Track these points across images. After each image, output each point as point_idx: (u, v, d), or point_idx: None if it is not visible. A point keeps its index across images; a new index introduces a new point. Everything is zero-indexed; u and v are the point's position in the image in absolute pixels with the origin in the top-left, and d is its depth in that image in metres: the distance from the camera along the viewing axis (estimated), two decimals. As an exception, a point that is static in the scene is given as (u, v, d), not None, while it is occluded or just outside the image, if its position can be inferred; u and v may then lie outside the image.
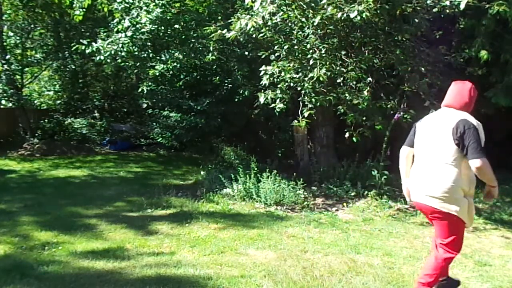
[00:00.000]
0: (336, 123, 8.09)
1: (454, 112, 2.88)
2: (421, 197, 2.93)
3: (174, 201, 6.34)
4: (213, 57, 7.06)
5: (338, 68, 5.69)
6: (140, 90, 8.14)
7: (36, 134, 12.33)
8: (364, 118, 6.16)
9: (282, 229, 4.98)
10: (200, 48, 7.88)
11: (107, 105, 15.29)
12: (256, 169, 6.42)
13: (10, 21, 12.30)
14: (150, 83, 9.21)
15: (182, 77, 9.73)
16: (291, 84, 5.72)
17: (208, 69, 9.73)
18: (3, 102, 12.79)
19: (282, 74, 5.62)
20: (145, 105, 11.69)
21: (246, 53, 8.45)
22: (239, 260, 3.93)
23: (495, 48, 6.91)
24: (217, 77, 9.24)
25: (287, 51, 5.99)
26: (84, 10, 7.96)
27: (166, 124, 10.13)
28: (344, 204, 6.33)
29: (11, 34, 12.53)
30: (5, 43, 12.15)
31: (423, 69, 6.27)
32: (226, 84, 9.53)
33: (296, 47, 5.92)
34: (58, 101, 14.93)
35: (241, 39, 6.38)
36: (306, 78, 5.60)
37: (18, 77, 12.75)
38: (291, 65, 5.75)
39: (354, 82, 5.89)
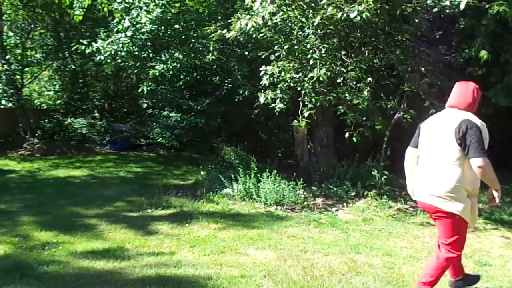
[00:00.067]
0: (336, 123, 8.09)
1: (458, 113, 2.89)
2: (425, 196, 2.95)
3: (174, 201, 6.34)
4: (213, 57, 7.06)
5: (338, 68, 5.69)
6: (140, 90, 8.14)
7: (36, 134, 12.33)
8: (364, 118, 6.16)
9: (282, 229, 4.98)
10: (200, 48, 7.87)
11: (107, 105, 15.29)
12: (256, 169, 6.42)
13: (10, 21, 12.30)
14: (150, 83, 9.20)
15: (182, 77, 9.73)
16: (291, 84, 5.72)
17: (208, 69, 9.73)
18: (3, 102, 12.79)
19: (282, 74, 5.62)
20: (145, 105, 11.68)
21: (246, 53, 8.45)
22: (239, 260, 3.93)
23: (495, 48, 6.91)
24: (217, 77, 9.24)
25: (287, 51, 5.99)
26: (84, 10, 7.96)
27: (166, 124, 10.12)
28: (344, 204, 6.33)
29: (11, 34, 12.52)
30: (5, 43, 12.15)
31: (423, 69, 6.27)
32: (226, 84, 9.53)
33: (296, 47, 5.92)
34: (58, 101, 14.93)
35: (241, 39, 6.38)
36: (306, 78, 5.60)
37: (18, 77, 12.75)
38: (291, 65, 5.75)
39: (354, 82, 5.89)
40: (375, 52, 6.51)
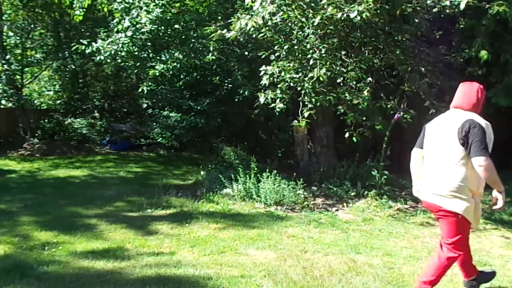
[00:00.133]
0: (336, 123, 8.09)
1: (462, 113, 2.89)
2: (429, 195, 2.97)
3: (174, 201, 6.34)
4: (213, 57, 7.06)
5: (338, 68, 5.68)
6: (140, 90, 8.14)
7: (36, 134, 12.33)
8: (364, 118, 6.16)
9: (282, 229, 4.98)
10: (200, 48, 7.87)
11: (107, 105, 15.30)
12: (256, 169, 6.42)
13: (10, 21, 12.30)
14: (150, 83, 9.21)
15: (182, 77, 9.74)
16: (291, 84, 5.72)
17: (208, 69, 9.74)
18: (3, 102, 12.80)
19: (282, 74, 5.62)
20: (145, 105, 11.69)
21: (246, 53, 8.45)
22: (239, 260, 3.93)
23: (495, 48, 6.91)
24: (217, 77, 9.25)
25: (287, 51, 5.99)
26: (84, 10, 7.97)
27: (166, 124, 10.13)
28: (344, 204, 6.33)
29: (11, 34, 12.52)
30: (5, 43, 12.15)
31: (423, 69, 6.27)
32: (226, 84, 9.53)
33: (296, 47, 5.92)
34: (58, 101, 14.93)
35: (241, 39, 6.38)
36: (306, 78, 5.60)
37: (18, 77, 12.76)
38: (291, 65, 5.75)
39: (354, 82, 5.89)
40: (375, 52, 6.51)
